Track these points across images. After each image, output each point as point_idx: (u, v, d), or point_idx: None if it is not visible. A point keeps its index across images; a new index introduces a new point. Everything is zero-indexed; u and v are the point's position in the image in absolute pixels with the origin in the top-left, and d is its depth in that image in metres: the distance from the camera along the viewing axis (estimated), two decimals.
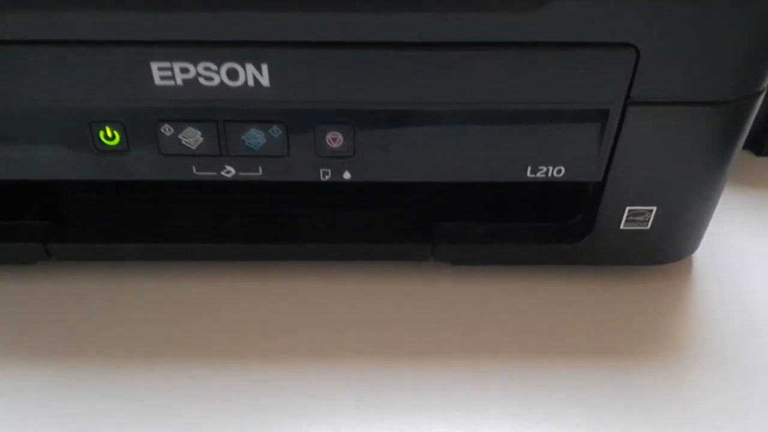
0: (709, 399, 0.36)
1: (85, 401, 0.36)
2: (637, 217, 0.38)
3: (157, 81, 0.32)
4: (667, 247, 0.40)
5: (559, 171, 0.36)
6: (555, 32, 0.31)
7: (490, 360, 0.38)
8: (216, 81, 0.32)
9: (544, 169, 0.36)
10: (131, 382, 0.36)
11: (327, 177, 0.36)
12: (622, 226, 0.38)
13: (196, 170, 0.36)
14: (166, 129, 0.34)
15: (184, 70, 0.32)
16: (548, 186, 0.37)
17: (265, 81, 0.32)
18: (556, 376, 0.37)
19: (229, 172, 0.36)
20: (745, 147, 0.45)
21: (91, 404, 0.35)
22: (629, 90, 0.33)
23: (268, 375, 0.37)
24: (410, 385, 0.37)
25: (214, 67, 0.32)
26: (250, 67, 0.32)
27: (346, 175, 0.36)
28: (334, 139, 0.35)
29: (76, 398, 0.36)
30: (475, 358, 0.38)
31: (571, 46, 0.32)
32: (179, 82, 0.32)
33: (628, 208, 0.38)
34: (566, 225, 0.40)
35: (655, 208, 0.38)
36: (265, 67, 0.32)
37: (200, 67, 0.32)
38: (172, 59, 0.32)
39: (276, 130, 0.34)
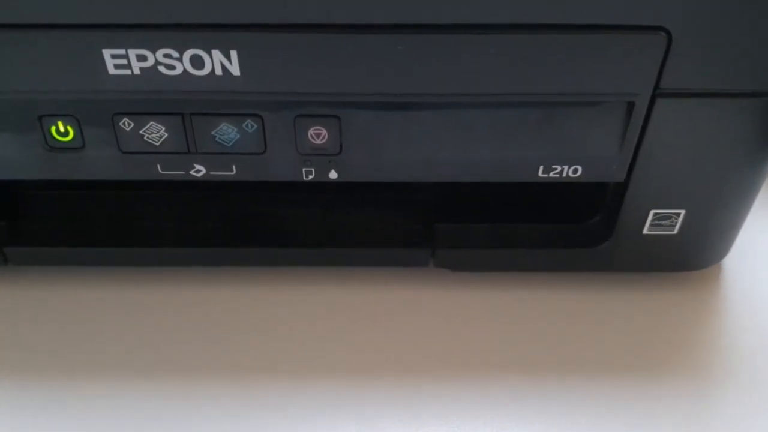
0: (736, 420, 0.33)
1: (41, 415, 0.33)
2: (662, 221, 0.34)
3: (111, 70, 0.28)
4: (694, 254, 0.36)
5: (575, 171, 0.32)
6: (573, 13, 0.27)
7: (495, 376, 0.35)
8: (178, 70, 0.28)
9: (559, 168, 0.32)
10: (94, 397, 0.34)
11: (310, 177, 0.32)
12: (645, 231, 0.35)
13: (162, 169, 0.32)
14: (125, 123, 0.30)
15: (141, 58, 0.28)
16: (562, 183, 0.33)
17: (234, 69, 0.28)
18: (568, 393, 0.34)
19: (199, 171, 0.32)
20: None
21: (48, 421, 0.33)
22: (658, 80, 0.29)
23: (252, 389, 0.34)
24: (407, 402, 0.34)
25: (175, 54, 0.28)
26: (217, 54, 0.28)
27: (332, 175, 0.32)
28: (318, 135, 0.31)
29: (30, 411, 0.33)
30: (478, 374, 0.35)
31: (593, 29, 0.28)
32: (136, 71, 0.28)
33: (652, 212, 0.34)
34: (582, 228, 0.36)
35: (683, 212, 0.34)
36: (234, 54, 0.28)
37: (159, 54, 0.28)
38: (126, 45, 0.28)
39: (250, 125, 0.30)
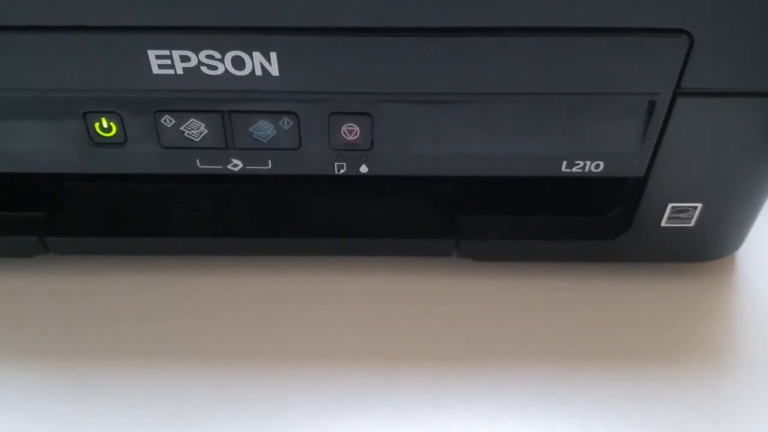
0: (746, 408, 0.35)
1: (82, 399, 0.34)
2: (680, 213, 0.35)
3: (155, 70, 0.29)
4: (710, 245, 0.38)
5: (597, 166, 0.33)
6: (599, 17, 0.28)
7: (515, 362, 0.36)
8: (220, 70, 0.29)
9: (581, 164, 0.33)
10: (130, 381, 0.35)
11: (342, 171, 0.34)
12: (663, 223, 0.36)
13: (200, 164, 0.33)
14: (167, 120, 0.31)
15: (185, 59, 0.29)
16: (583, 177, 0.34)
17: (274, 70, 0.29)
18: (587, 378, 0.35)
19: (236, 165, 0.33)
20: None
21: (87, 403, 0.34)
22: (679, 80, 0.30)
23: (277, 375, 0.35)
24: (431, 386, 0.35)
25: (217, 55, 0.29)
26: (257, 56, 0.29)
27: (363, 169, 0.34)
28: (350, 131, 0.32)
29: (72, 396, 0.35)
30: (499, 361, 0.36)
31: (617, 31, 0.28)
32: (179, 71, 0.29)
33: (671, 205, 0.35)
34: (602, 220, 0.37)
35: (700, 205, 0.35)
36: (274, 56, 0.29)
37: (202, 55, 0.29)
38: (171, 47, 0.29)
39: (287, 122, 0.32)
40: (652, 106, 0.31)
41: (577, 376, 0.35)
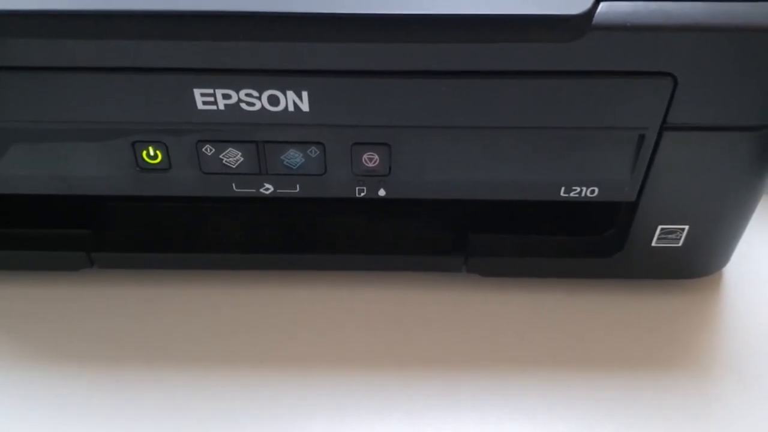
0: (735, 417, 0.37)
1: (124, 406, 0.37)
2: (669, 234, 0.38)
3: (200, 106, 0.33)
4: (698, 263, 0.41)
5: (592, 191, 0.36)
6: (593, 62, 0.31)
7: (518, 369, 0.39)
8: (257, 106, 0.33)
9: (578, 189, 0.36)
10: (170, 388, 0.38)
11: (362, 194, 0.37)
12: (653, 243, 0.39)
13: (236, 187, 0.37)
14: (208, 149, 0.35)
15: (226, 96, 0.33)
16: (580, 201, 0.37)
17: (304, 107, 0.33)
18: (582, 389, 0.38)
19: (268, 189, 0.37)
20: None
21: (129, 409, 0.37)
22: (665, 116, 0.33)
23: (298, 379, 0.38)
24: (440, 390, 0.38)
25: (255, 93, 0.32)
26: (290, 94, 0.32)
27: (381, 192, 0.37)
28: (371, 159, 0.35)
29: (114, 402, 0.37)
30: (504, 367, 0.39)
31: (609, 75, 0.32)
32: (221, 107, 0.33)
33: (660, 227, 0.38)
34: (598, 240, 0.40)
35: (687, 227, 0.38)
36: (305, 94, 0.32)
37: (242, 93, 0.32)
38: (215, 86, 0.32)
39: (314, 151, 0.35)
40: (641, 139, 0.34)
41: (574, 381, 0.38)
